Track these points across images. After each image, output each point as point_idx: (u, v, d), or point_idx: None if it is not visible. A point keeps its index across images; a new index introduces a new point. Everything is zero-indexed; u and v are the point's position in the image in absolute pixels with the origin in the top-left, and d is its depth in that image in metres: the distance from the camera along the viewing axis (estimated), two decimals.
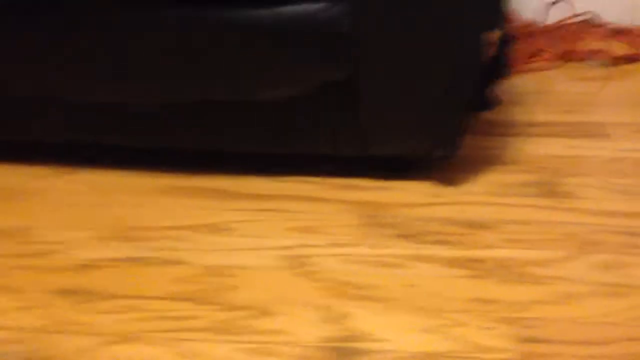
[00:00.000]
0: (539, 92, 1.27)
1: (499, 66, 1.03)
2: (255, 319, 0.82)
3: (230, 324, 0.82)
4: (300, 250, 0.94)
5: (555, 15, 1.46)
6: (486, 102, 1.04)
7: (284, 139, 1.05)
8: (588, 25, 1.46)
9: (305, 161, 1.09)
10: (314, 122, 1.02)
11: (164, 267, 0.91)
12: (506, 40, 0.99)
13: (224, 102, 1.02)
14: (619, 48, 1.38)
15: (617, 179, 1.03)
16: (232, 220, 1.00)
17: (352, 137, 1.02)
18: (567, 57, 1.39)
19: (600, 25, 1.45)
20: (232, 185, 1.08)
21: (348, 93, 0.98)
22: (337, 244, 0.94)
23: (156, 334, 0.81)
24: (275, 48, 0.94)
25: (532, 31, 1.45)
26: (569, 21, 1.43)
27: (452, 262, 0.90)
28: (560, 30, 1.44)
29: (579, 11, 1.45)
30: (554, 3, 1.44)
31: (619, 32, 1.44)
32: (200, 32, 0.95)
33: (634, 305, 0.82)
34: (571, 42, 1.42)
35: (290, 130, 1.04)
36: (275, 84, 0.99)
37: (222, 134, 1.06)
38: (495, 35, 0.94)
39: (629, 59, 1.35)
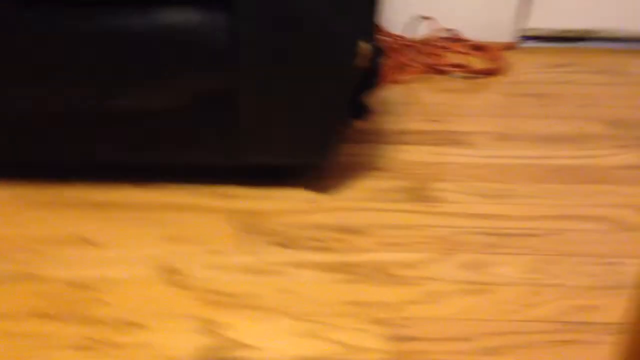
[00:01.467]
0: (407, 102, 1.31)
1: (370, 77, 1.06)
2: (123, 333, 0.78)
3: (96, 339, 0.77)
4: (173, 259, 0.90)
5: (421, 31, 1.53)
6: (359, 112, 1.06)
7: (160, 148, 1.01)
8: (451, 41, 1.55)
9: (182, 170, 1.06)
10: (192, 132, 1.00)
11: (24, 283, 0.85)
12: (376, 52, 1.02)
13: (95, 111, 0.97)
14: (479, 62, 1.47)
15: (480, 183, 1.09)
16: (99, 230, 0.95)
17: (230, 147, 1.01)
18: (432, 70, 1.46)
19: (461, 41, 1.53)
20: (100, 195, 1.02)
21: (226, 104, 0.96)
22: (212, 252, 0.92)
23: (15, 352, 0.74)
24: (149, 57, 0.91)
25: (400, 45, 1.51)
26: (434, 37, 1.51)
27: (328, 267, 0.91)
28: (425, 45, 1.50)
29: (442, 27, 1.53)
30: (420, 19, 1.51)
31: (478, 48, 1.53)
32: (77, 38, 0.90)
33: (496, 301, 0.86)
34: (435, 56, 1.49)
35: (167, 140, 1.00)
36: (150, 94, 0.96)
37: (93, 143, 1.00)
38: (367, 46, 0.97)
39: (488, 73, 1.44)
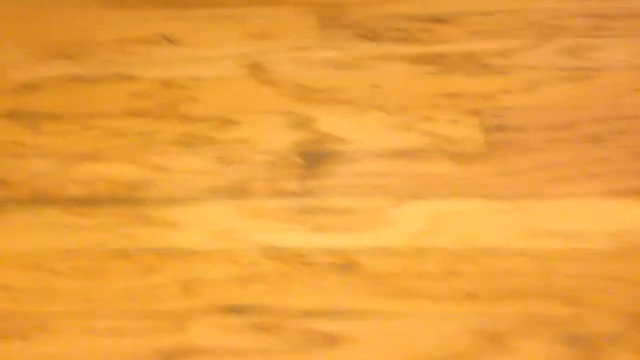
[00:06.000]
0: None
1: None
2: (218, 130, 0.79)
3: (194, 135, 0.78)
4: (258, 56, 0.89)
5: None
6: None
7: None
8: None
9: None
10: None
11: (114, 83, 0.85)
12: None
13: None
14: None
15: None
16: (181, 29, 0.92)
17: None
18: None
19: None
20: None
21: None
22: (296, 48, 0.89)
23: (118, 150, 0.77)
24: None
25: None
26: None
27: (416, 59, 0.87)
28: None
29: None
30: None
31: None
32: None
33: (601, 86, 0.82)
34: None
35: None
36: None
37: None
38: None
39: None
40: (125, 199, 0.72)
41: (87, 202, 0.72)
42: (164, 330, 0.60)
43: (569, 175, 0.73)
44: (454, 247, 0.67)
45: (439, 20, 0.93)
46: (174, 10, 0.95)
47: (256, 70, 0.87)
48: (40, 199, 0.72)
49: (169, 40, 0.91)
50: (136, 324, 0.61)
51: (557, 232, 0.68)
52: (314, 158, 0.76)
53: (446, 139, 0.77)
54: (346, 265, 0.65)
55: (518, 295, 0.63)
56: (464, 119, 0.80)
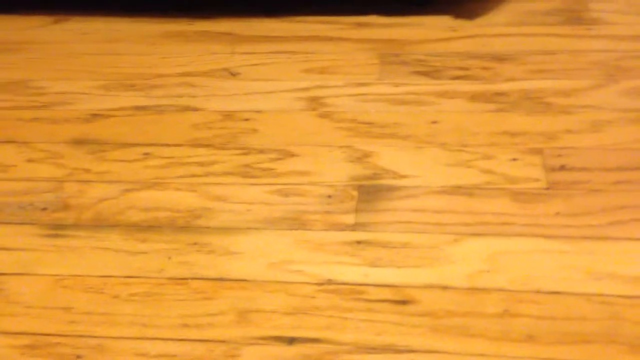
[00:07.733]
0: None
1: None
2: (278, 162, 0.80)
3: (254, 167, 0.79)
4: (318, 91, 0.90)
5: None
6: None
7: None
8: None
9: (322, 2, 1.02)
10: None
11: (178, 114, 0.88)
12: None
13: None
14: None
15: None
16: (244, 64, 0.95)
17: None
18: None
19: None
20: (239, 27, 1.01)
21: None
22: (356, 84, 0.90)
23: (179, 179, 0.79)
24: None
25: None
26: None
27: (476, 97, 0.87)
28: None
29: None
30: None
31: None
32: None
33: None
34: None
35: None
36: None
37: None
38: None
39: None
40: (184, 227, 0.73)
41: (148, 228, 0.73)
42: (217, 358, 0.60)
43: (635, 218, 0.71)
44: (513, 288, 0.65)
45: (499, 58, 0.92)
46: (238, 45, 0.98)
47: (316, 104, 0.88)
48: (102, 224, 0.74)
49: (232, 73, 0.94)
50: (189, 350, 0.61)
51: (622, 277, 0.65)
52: (371, 192, 0.76)
53: (506, 178, 0.76)
54: (402, 301, 0.64)
55: (581, 340, 0.60)
56: (525, 157, 0.78)
